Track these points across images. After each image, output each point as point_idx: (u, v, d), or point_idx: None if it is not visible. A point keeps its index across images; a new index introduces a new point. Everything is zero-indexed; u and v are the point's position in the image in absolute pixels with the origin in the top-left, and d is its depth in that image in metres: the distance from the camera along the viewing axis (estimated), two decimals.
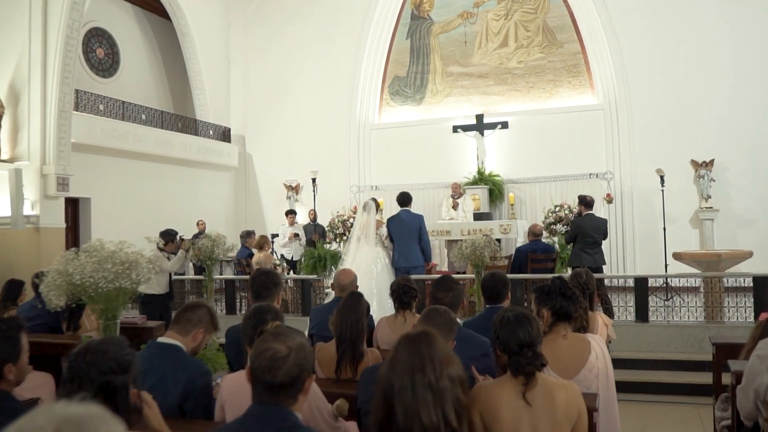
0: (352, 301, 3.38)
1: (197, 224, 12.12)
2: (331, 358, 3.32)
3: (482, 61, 14.33)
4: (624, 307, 7.18)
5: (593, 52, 13.28)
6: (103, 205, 12.27)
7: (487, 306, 3.95)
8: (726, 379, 5.21)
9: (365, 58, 14.97)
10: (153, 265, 3.15)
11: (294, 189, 15.43)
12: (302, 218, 13.45)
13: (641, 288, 6.98)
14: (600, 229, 7.90)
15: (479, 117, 13.87)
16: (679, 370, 6.37)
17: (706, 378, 6.01)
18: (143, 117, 13.26)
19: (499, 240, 11.02)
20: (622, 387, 6.19)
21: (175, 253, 7.40)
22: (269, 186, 15.92)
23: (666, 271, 10.21)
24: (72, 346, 4.73)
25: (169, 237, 7.38)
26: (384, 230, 8.44)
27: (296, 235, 12.02)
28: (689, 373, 6.30)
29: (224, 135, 15.89)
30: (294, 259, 11.76)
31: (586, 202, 8.06)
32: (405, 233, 8.34)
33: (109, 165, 12.30)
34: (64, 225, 9.98)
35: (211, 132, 15.39)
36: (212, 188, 15.37)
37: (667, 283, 9.11)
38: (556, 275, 3.15)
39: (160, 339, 2.88)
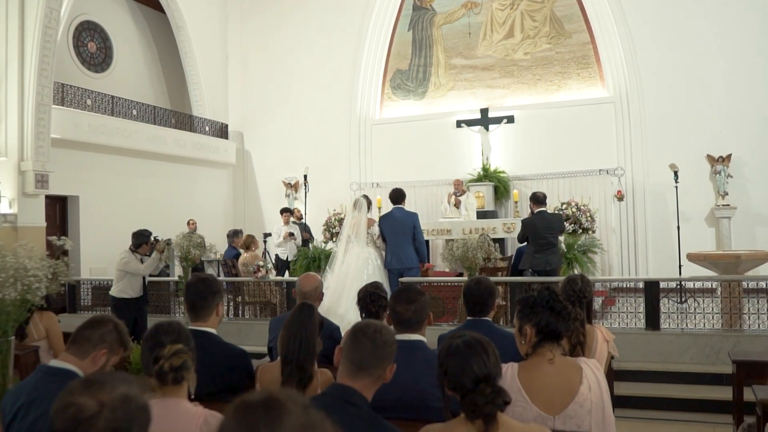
0: (302, 313, 2.84)
1: (188, 224, 11.64)
2: (276, 381, 2.79)
3: (487, 52, 13.77)
4: (633, 313, 6.57)
5: (603, 43, 12.67)
6: (92, 203, 11.85)
7: (469, 318, 3.41)
8: (748, 394, 4.64)
9: (366, 51, 14.47)
10: (48, 271, 2.63)
11: (293, 187, 14.95)
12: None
13: (652, 292, 6.37)
14: (552, 228, 7.19)
15: (484, 111, 13.35)
16: (694, 384, 5.76)
17: (723, 393, 5.42)
18: (134, 112, 12.81)
19: (502, 239, 10.46)
20: (629, 402, 5.63)
21: (149, 255, 6.93)
22: (268, 184, 15.48)
23: (680, 273, 9.62)
24: (17, 358, 4.22)
25: (142, 239, 6.90)
26: (376, 229, 7.91)
27: (291, 235, 11.52)
28: (705, 387, 5.69)
29: (221, 131, 15.43)
30: (289, 260, 11.29)
31: (536, 198, 7.40)
32: (398, 232, 7.79)
33: (97, 162, 11.87)
34: (44, 224, 9.55)
35: (207, 128, 14.93)
36: (209, 186, 14.92)
37: (681, 285, 8.51)
38: (545, 284, 2.58)
39: (53, 362, 2.37)
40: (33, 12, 8.92)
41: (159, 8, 14.72)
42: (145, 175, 12.94)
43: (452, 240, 7.44)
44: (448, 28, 14.14)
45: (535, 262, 7.10)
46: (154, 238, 7.00)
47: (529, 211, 7.50)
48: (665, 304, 6.86)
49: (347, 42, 14.51)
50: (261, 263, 7.75)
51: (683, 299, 8.47)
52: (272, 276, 7.99)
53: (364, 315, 3.58)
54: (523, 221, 7.51)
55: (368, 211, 8.05)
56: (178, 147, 13.60)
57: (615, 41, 12.48)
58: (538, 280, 6.90)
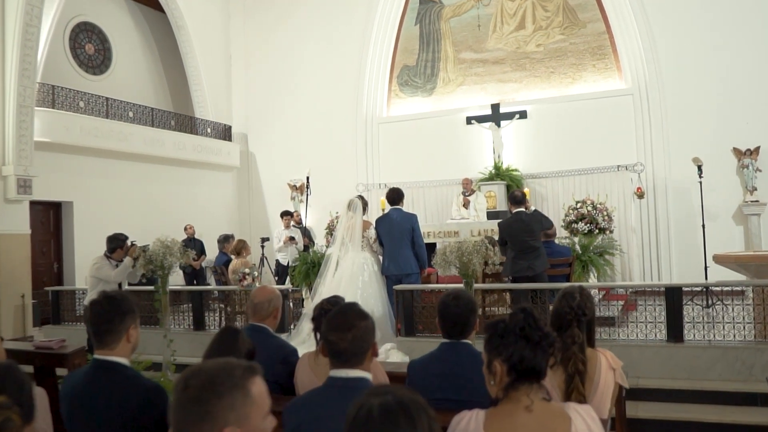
0: (226, 340, 2.30)
1: (185, 229, 11.17)
2: None
3: (497, 45, 13.14)
4: (653, 323, 5.90)
5: (620, 31, 11.97)
6: (87, 209, 11.45)
7: (445, 341, 2.82)
8: None
9: (372, 46, 13.95)
10: None
11: (298, 189, 14.46)
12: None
13: (674, 300, 5.69)
14: (531, 230, 6.50)
15: (495, 107, 12.72)
16: (723, 404, 5.07)
17: (758, 416, 4.75)
18: (130, 114, 12.39)
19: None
20: (648, 426, 4.96)
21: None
22: (273, 186, 15.03)
23: (705, 276, 8.88)
24: None
25: (116, 243, 6.41)
26: (372, 232, 7.35)
27: (292, 239, 11.02)
28: (736, 408, 4.99)
29: (225, 133, 14.99)
30: (291, 265, 10.79)
31: (514, 198, 6.76)
32: (396, 235, 7.25)
33: (92, 166, 11.46)
34: (28, 231, 9.13)
35: (209, 130, 14.50)
36: (212, 190, 14.48)
37: (707, 288, 7.80)
38: (521, 306, 1.98)
39: None
40: (13, 10, 8.52)
41: (159, 8, 14.33)
42: (143, 179, 12.51)
43: (445, 243, 6.80)
44: (456, 21, 13.54)
45: (516, 268, 6.43)
46: (131, 242, 6.51)
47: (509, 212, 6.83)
48: (689, 312, 6.17)
49: (352, 38, 14.00)
50: (247, 270, 7.22)
51: (709, 303, 7.76)
52: (258, 284, 7.45)
53: (318, 337, 3.00)
54: (499, 225, 6.86)
55: (364, 213, 7.52)
56: (177, 150, 13.16)
57: (633, 30, 11.77)
58: (549, 287, 6.26)
